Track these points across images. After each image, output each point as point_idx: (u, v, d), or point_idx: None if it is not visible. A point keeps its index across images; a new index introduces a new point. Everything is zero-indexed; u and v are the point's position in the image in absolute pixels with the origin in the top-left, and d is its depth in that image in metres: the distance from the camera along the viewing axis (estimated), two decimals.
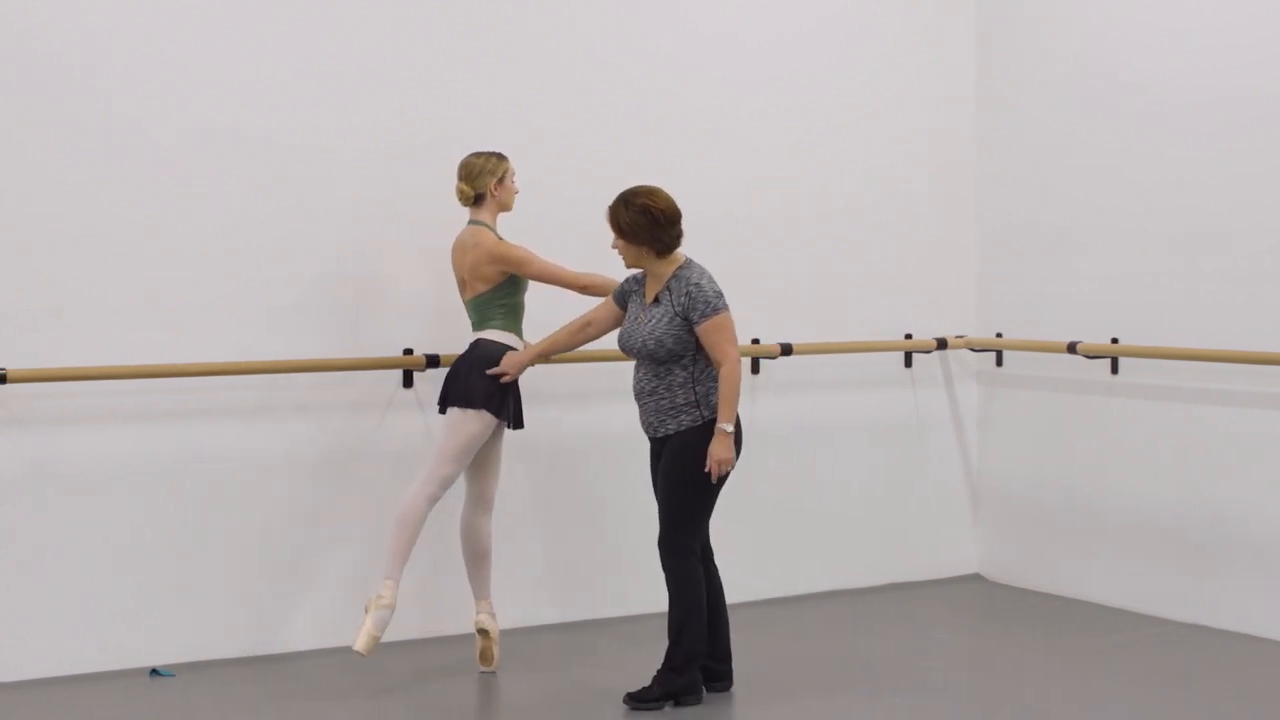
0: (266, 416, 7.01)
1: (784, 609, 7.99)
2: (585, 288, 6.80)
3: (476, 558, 6.86)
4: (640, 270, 6.42)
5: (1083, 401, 8.15)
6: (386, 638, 7.18)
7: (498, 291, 6.75)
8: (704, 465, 6.18)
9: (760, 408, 7.95)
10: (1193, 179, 7.56)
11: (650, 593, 7.58)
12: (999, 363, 8.63)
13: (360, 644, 6.40)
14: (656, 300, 6.29)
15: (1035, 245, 8.41)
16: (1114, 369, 7.95)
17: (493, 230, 6.81)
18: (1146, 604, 7.76)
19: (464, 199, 6.85)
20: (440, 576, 7.31)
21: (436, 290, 7.23)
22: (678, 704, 6.30)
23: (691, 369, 6.25)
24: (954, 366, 8.74)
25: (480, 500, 6.85)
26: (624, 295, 6.52)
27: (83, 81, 6.67)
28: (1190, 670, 6.85)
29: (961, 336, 8.65)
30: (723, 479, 6.28)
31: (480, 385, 6.63)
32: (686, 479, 6.23)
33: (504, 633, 7.05)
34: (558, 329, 6.73)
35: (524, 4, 7.58)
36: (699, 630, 6.29)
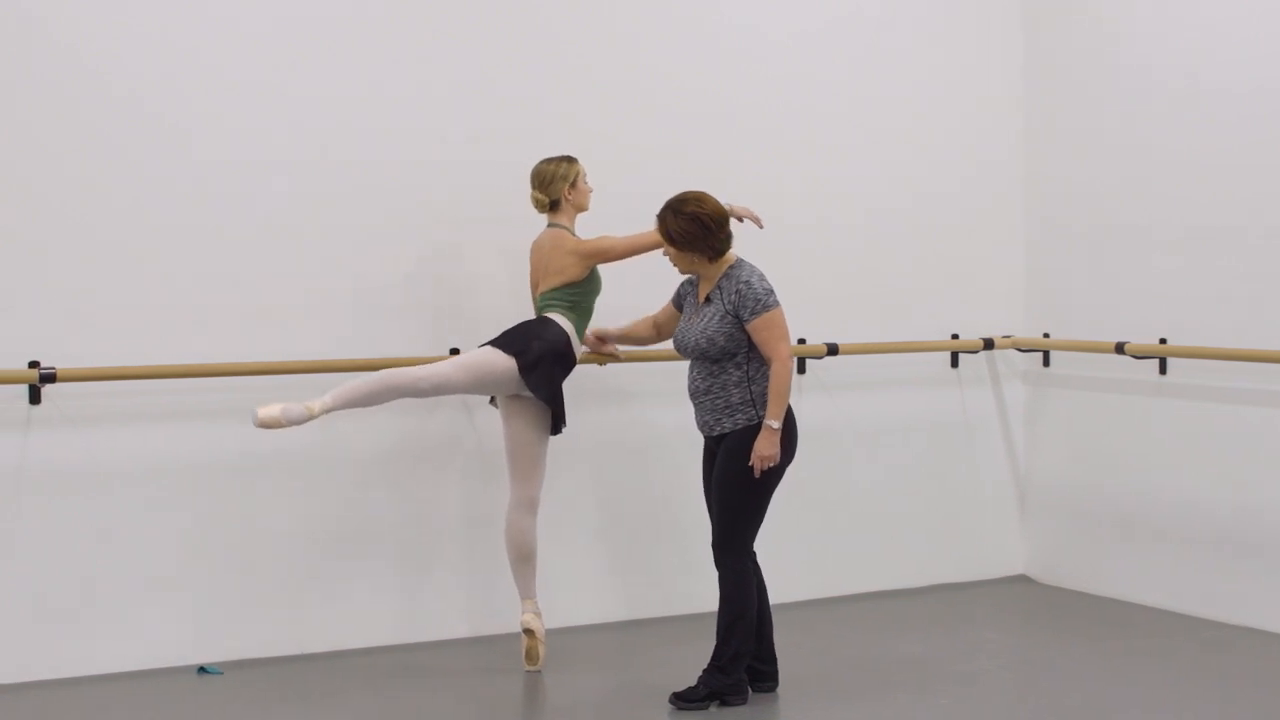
0: None
1: (830, 609, 7.97)
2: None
3: (521, 558, 6.87)
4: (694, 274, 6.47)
5: (1131, 402, 8.10)
6: (434, 636, 7.27)
7: (570, 289, 6.82)
8: (776, 458, 6.19)
9: (806, 408, 7.89)
10: (1244, 177, 7.50)
11: (696, 592, 7.62)
12: (1046, 363, 8.60)
13: (264, 411, 6.28)
14: (708, 300, 6.32)
15: (1082, 245, 8.37)
16: (1162, 369, 7.91)
17: (571, 232, 6.87)
18: (1194, 606, 7.72)
19: (539, 207, 6.91)
20: (486, 577, 7.33)
21: (511, 293, 7.28)
22: (723, 703, 6.30)
23: (746, 367, 6.26)
24: (1001, 367, 8.71)
25: (525, 501, 6.86)
26: (680, 299, 6.57)
27: (147, 82, 6.73)
28: (1239, 672, 6.81)
29: (1008, 337, 8.62)
30: (777, 478, 6.29)
31: (521, 343, 6.66)
32: (741, 479, 6.23)
33: (550, 632, 7.06)
34: (631, 324, 6.85)
35: (583, 16, 7.61)
36: (747, 630, 6.29)
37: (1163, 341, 7.83)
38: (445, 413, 7.31)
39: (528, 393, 6.70)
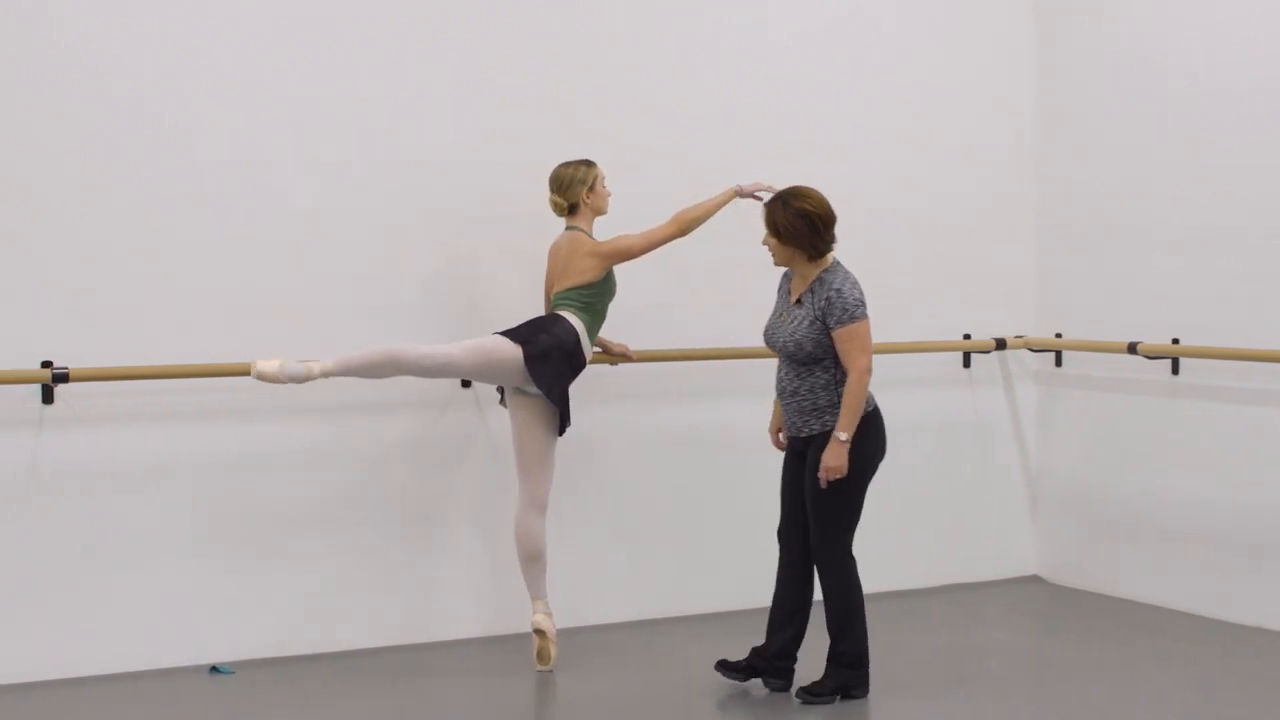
0: (323, 416, 7.04)
1: None
2: (683, 231, 6.87)
3: (530, 558, 6.87)
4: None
5: (1143, 402, 8.09)
6: (446, 636, 7.28)
7: (584, 289, 6.82)
8: (843, 471, 6.21)
9: None
10: (1256, 177, 7.49)
11: (708, 592, 7.63)
12: (1058, 363, 8.58)
13: (262, 363, 6.33)
14: (800, 301, 6.32)
15: (1095, 245, 8.36)
16: (1175, 369, 7.89)
17: (589, 235, 6.89)
18: (1207, 606, 7.70)
19: (559, 210, 6.92)
20: (497, 577, 7.33)
21: (515, 293, 7.29)
22: (845, 697, 6.34)
23: (833, 371, 6.26)
24: (1013, 367, 8.70)
25: (533, 501, 6.85)
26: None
27: (147, 82, 6.73)
28: (1251, 674, 6.79)
29: (1020, 337, 8.61)
30: (869, 477, 6.35)
31: (529, 334, 6.67)
32: (834, 482, 6.24)
33: (561, 632, 7.05)
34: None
35: (583, 16, 7.58)
36: (863, 626, 6.35)
37: (1175, 341, 7.82)
38: (457, 412, 7.31)
39: (533, 389, 6.70)
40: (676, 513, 7.79)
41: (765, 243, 6.36)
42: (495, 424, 7.29)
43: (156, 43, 6.74)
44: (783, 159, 7.71)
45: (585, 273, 6.81)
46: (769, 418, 6.73)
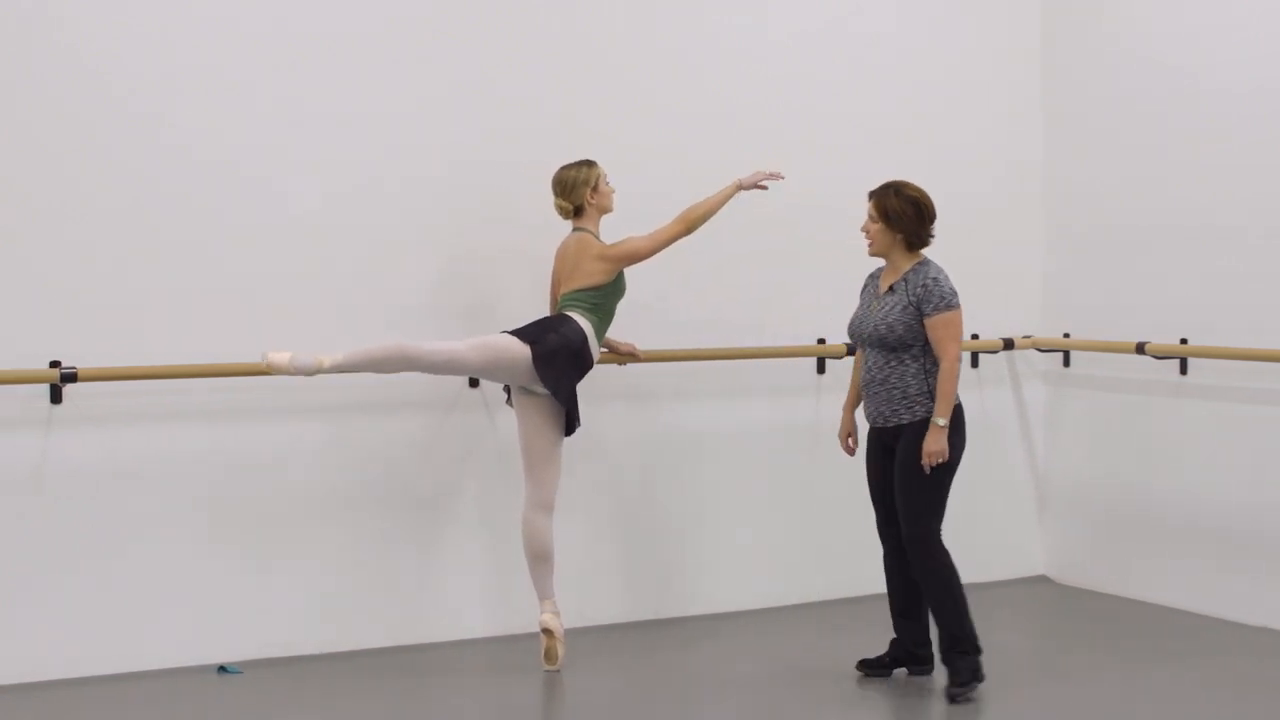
0: (329, 415, 7.07)
1: (848, 609, 7.95)
2: (690, 229, 6.91)
3: (538, 558, 6.88)
4: (880, 264, 6.59)
5: (1151, 402, 8.09)
6: (453, 635, 7.29)
7: (593, 290, 6.84)
8: (945, 455, 6.30)
9: (825, 407, 7.92)
10: (1263, 178, 7.48)
11: (715, 593, 7.63)
12: (1066, 363, 8.58)
13: (274, 354, 6.35)
14: (891, 290, 6.44)
15: (1103, 245, 8.36)
16: (1183, 369, 7.89)
17: (596, 236, 6.91)
18: (1215, 607, 7.69)
19: (564, 214, 6.95)
20: (505, 577, 7.35)
21: (516, 294, 7.30)
22: (975, 680, 6.42)
23: (922, 360, 6.38)
24: (1021, 367, 8.70)
25: (540, 502, 6.87)
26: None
27: (162, 83, 6.76)
28: (1259, 675, 6.78)
29: (1028, 337, 8.61)
30: (956, 465, 6.41)
31: (538, 334, 6.69)
32: (923, 472, 6.34)
33: (569, 632, 7.07)
34: (850, 385, 6.83)
35: (583, 16, 7.60)
36: (966, 606, 6.43)
37: (1183, 341, 7.82)
38: (464, 412, 7.33)
39: (540, 388, 6.71)
40: (684, 512, 7.80)
41: (865, 229, 6.52)
42: (502, 424, 7.31)
43: (156, 43, 6.77)
44: (783, 159, 7.69)
45: (594, 275, 6.83)
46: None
